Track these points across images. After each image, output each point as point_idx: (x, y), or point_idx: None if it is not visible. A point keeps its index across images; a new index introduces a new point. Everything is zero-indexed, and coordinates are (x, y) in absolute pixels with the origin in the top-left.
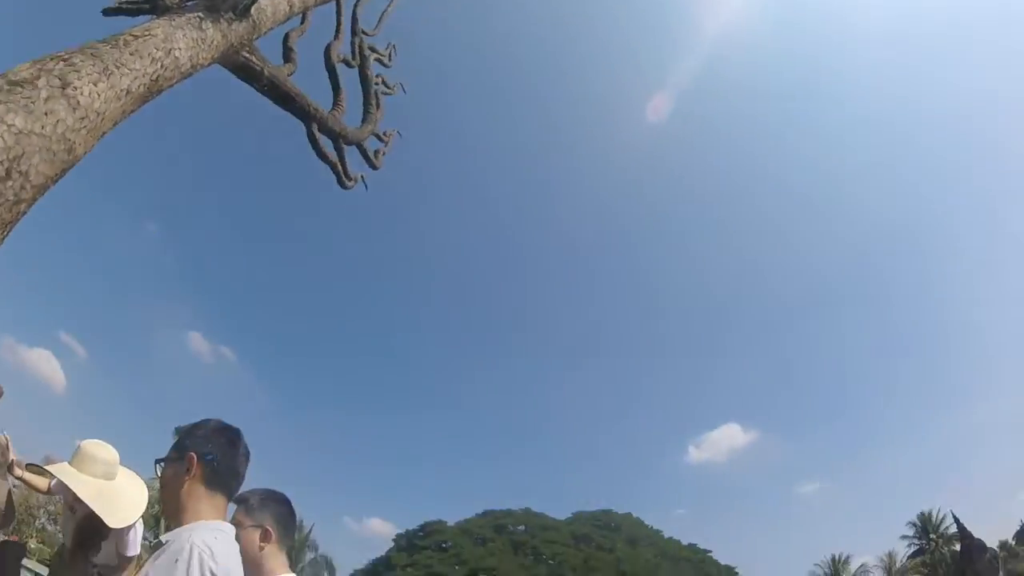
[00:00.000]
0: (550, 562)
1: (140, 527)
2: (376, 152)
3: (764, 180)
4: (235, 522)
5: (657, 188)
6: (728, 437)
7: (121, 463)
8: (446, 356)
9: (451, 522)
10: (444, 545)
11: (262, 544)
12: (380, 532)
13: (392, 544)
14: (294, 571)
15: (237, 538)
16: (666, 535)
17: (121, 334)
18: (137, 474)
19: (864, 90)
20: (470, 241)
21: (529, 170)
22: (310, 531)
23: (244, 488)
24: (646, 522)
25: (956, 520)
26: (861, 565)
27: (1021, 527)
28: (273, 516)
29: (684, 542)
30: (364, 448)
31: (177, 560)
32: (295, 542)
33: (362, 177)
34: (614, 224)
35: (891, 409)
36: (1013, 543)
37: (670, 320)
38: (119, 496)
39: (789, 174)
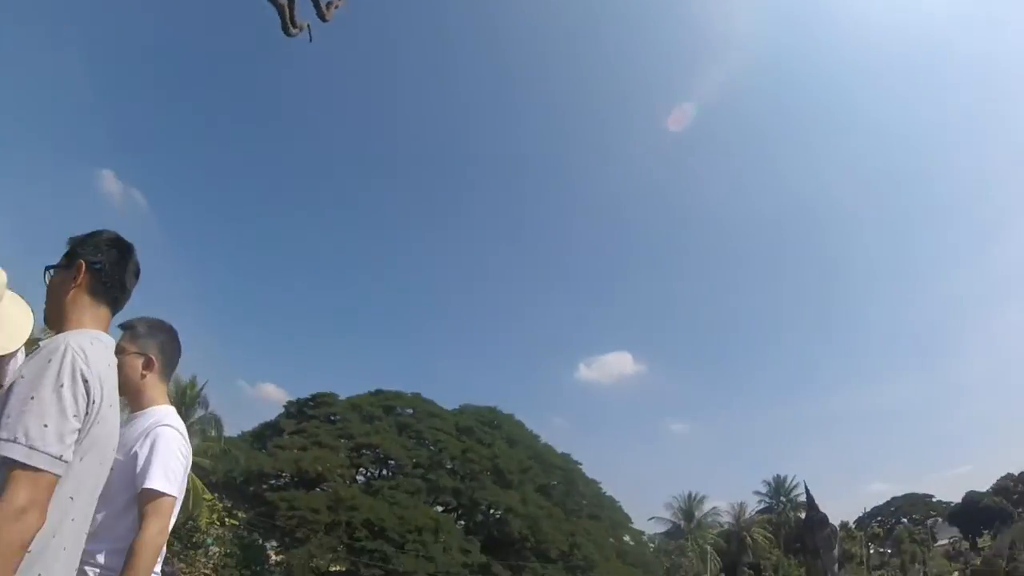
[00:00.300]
0: (431, 448)
1: (22, 355)
2: (328, 4)
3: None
4: (119, 348)
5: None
6: (618, 363)
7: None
8: (368, 231)
9: (342, 396)
10: (332, 418)
11: (144, 372)
12: (273, 398)
13: (282, 410)
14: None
15: (120, 363)
16: (542, 441)
17: (26, 165)
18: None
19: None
20: (395, 138)
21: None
22: (202, 388)
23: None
24: (526, 426)
25: (807, 490)
26: (713, 507)
27: (864, 514)
28: (158, 346)
29: (558, 451)
30: (267, 315)
31: (50, 360)
32: (187, 398)
33: (308, 27)
34: (530, 146)
35: (774, 373)
36: (853, 526)
37: (585, 246)
38: (2, 320)
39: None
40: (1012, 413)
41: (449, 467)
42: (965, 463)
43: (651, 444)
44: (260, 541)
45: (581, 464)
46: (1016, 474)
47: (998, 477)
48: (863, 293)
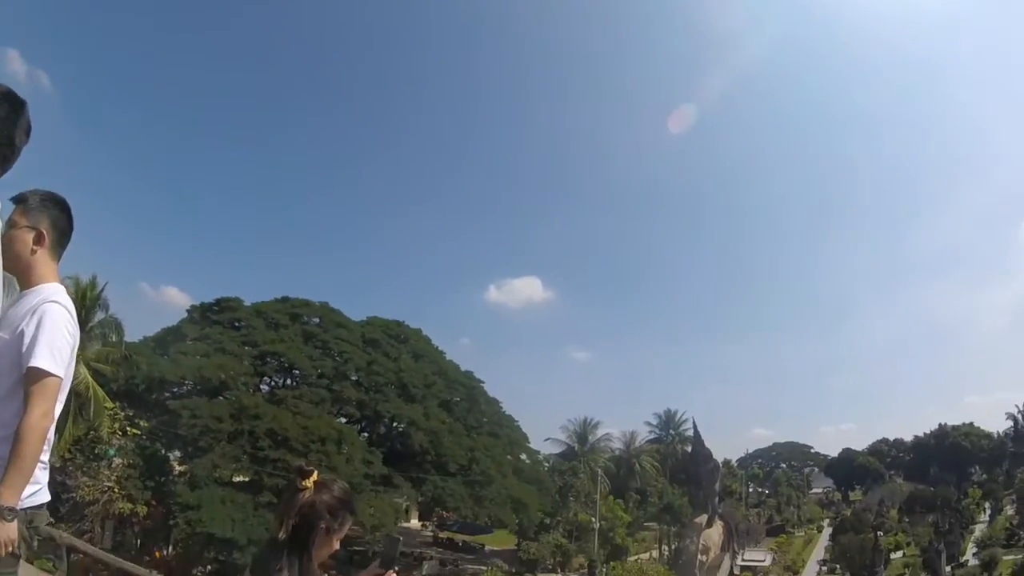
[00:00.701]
0: (337, 358)
1: None
2: None
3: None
4: (10, 222)
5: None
6: (528, 288)
7: None
8: (288, 142)
9: (248, 302)
10: (237, 324)
11: (35, 248)
12: (176, 302)
13: (185, 315)
14: (83, 330)
15: (10, 238)
16: (447, 357)
17: None
18: None
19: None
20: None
21: None
22: (102, 290)
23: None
24: (433, 342)
25: (695, 427)
26: (607, 433)
27: (746, 455)
28: (50, 220)
29: (463, 368)
30: (173, 216)
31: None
32: (87, 299)
33: None
34: (467, 77)
35: (679, 315)
36: (736, 465)
37: (513, 175)
38: None
39: None
40: (896, 383)
41: (354, 379)
42: (848, 422)
43: (553, 369)
44: (163, 451)
45: (484, 383)
46: (891, 439)
47: (875, 439)
48: (775, 255)
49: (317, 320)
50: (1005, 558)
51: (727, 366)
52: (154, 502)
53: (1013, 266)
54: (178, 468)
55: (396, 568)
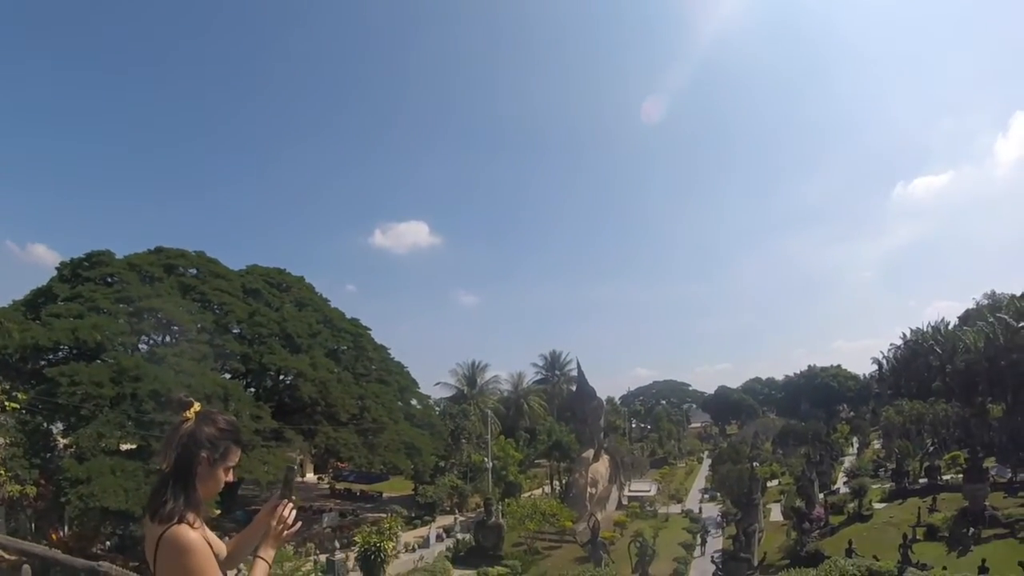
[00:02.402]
0: (217, 311)
1: None
2: None
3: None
4: None
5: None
6: (414, 232)
7: None
8: (156, 78)
9: (120, 256)
10: (110, 279)
11: None
12: (45, 261)
13: (55, 274)
14: None
15: None
16: (332, 305)
17: None
18: None
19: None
20: None
21: None
22: None
23: None
24: (316, 289)
25: (579, 366)
26: (495, 376)
27: (628, 393)
28: None
29: (348, 316)
30: (33, 164)
31: None
32: None
33: None
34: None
35: (561, 256)
36: (619, 402)
37: (401, 114)
38: None
39: None
40: (769, 327)
41: (236, 331)
42: (723, 362)
43: (440, 313)
44: (45, 425)
45: (371, 329)
46: (764, 378)
47: (749, 378)
48: (657, 200)
49: (194, 271)
50: (873, 487)
51: (610, 308)
52: (43, 480)
53: (882, 226)
54: (62, 441)
55: (293, 497)
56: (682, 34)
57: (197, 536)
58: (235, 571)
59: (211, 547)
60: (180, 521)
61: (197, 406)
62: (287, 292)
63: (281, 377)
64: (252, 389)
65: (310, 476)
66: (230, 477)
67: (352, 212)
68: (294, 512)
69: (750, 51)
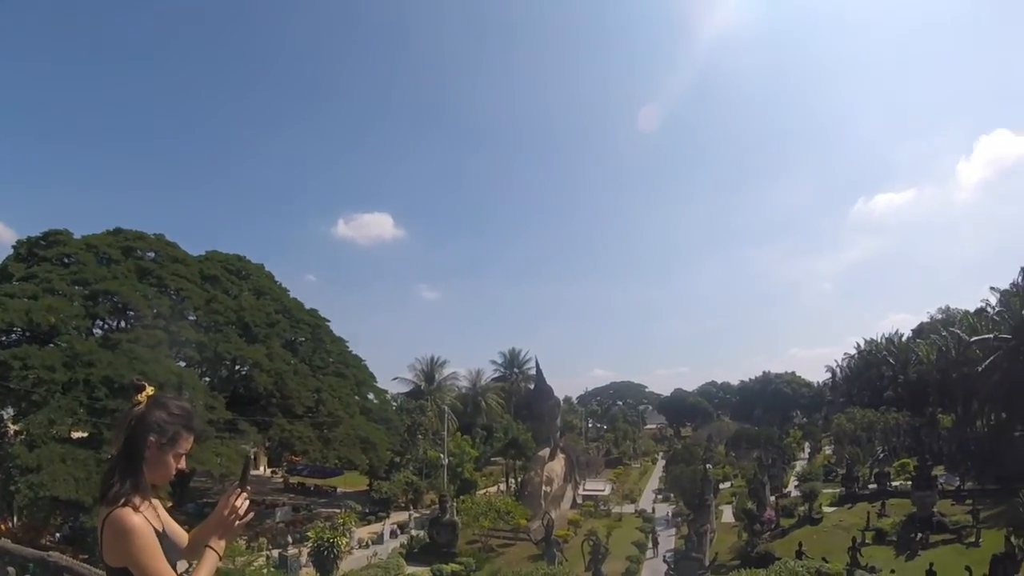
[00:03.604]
0: (174, 296)
1: None
2: None
3: None
4: None
5: None
6: (378, 224)
7: None
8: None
9: (79, 235)
10: (67, 260)
11: None
12: (1, 238)
13: (11, 252)
14: None
15: None
16: (291, 295)
17: None
18: None
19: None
20: None
21: None
22: None
23: None
24: (276, 278)
25: (537, 365)
26: (453, 372)
27: (585, 393)
28: None
29: (307, 306)
30: None
31: None
32: None
33: None
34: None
35: (527, 256)
36: (576, 402)
37: (371, 100)
38: None
39: None
40: (727, 332)
41: (192, 318)
42: (680, 365)
43: (401, 307)
44: None
45: (329, 321)
46: (719, 382)
47: (705, 382)
48: (625, 204)
49: (152, 254)
50: (824, 491)
51: (570, 309)
52: None
53: (842, 239)
54: (12, 427)
55: (248, 487)
56: (661, 42)
57: (141, 520)
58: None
59: (171, 535)
60: (126, 504)
61: (150, 390)
62: (246, 280)
63: (237, 367)
64: (207, 378)
65: (264, 470)
66: (181, 464)
67: (316, 201)
68: (247, 502)
69: (724, 63)
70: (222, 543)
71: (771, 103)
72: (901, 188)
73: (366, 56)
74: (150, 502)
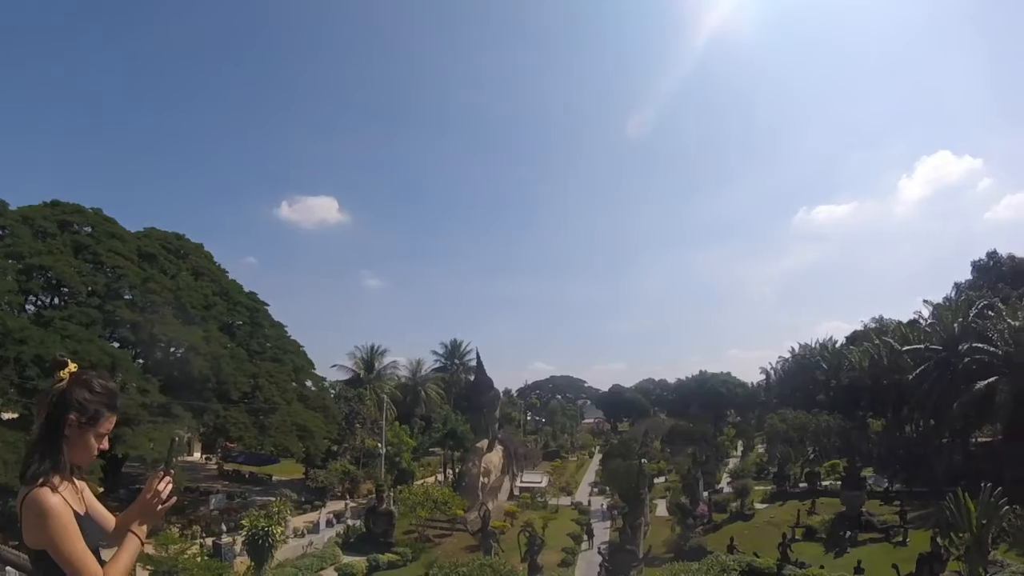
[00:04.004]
0: (110, 274)
1: None
2: None
3: None
4: None
5: None
6: (323, 208)
7: None
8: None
9: (13, 206)
10: (1, 232)
11: None
12: None
13: None
14: None
15: None
16: (230, 276)
17: None
18: None
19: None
20: None
21: None
22: None
23: None
24: (215, 258)
25: (478, 356)
26: (393, 361)
27: (525, 386)
28: None
29: (246, 288)
30: None
31: None
32: None
33: None
34: None
35: (476, 248)
36: (515, 394)
37: (318, 83)
38: None
39: None
40: (666, 331)
41: (128, 297)
42: (620, 361)
43: (343, 294)
44: None
45: (268, 305)
46: (657, 379)
47: (642, 378)
48: (574, 201)
49: (89, 229)
50: (756, 488)
51: (514, 302)
52: None
53: (782, 247)
54: None
55: (172, 470)
56: (629, 45)
57: (58, 500)
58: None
59: (96, 518)
60: (44, 484)
61: (72, 367)
62: (184, 259)
63: (172, 349)
64: (141, 360)
65: (197, 455)
66: (104, 445)
67: (260, 181)
68: (171, 486)
69: (685, 74)
70: (144, 528)
71: (725, 113)
72: (842, 201)
73: (324, 35)
74: (72, 483)
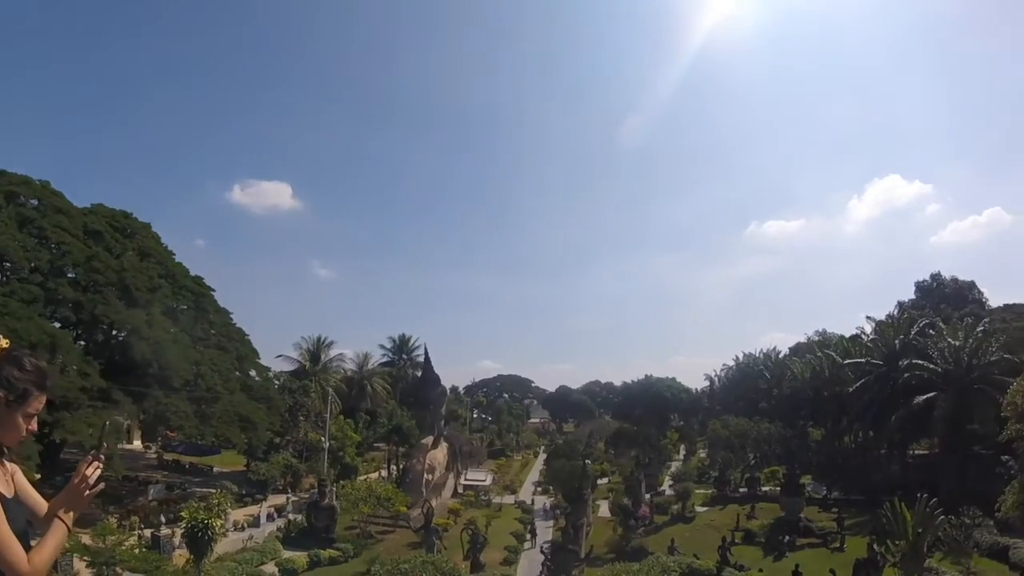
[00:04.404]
0: (54, 250)
1: None
2: None
3: None
4: None
5: None
6: (276, 193)
7: None
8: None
9: None
10: None
11: None
12: None
13: None
14: None
15: None
16: (177, 259)
17: None
18: None
19: None
20: None
21: None
22: None
23: None
24: (162, 240)
25: (426, 352)
26: (340, 354)
27: (472, 384)
28: None
29: (192, 272)
30: None
31: None
32: None
33: None
34: None
35: (433, 243)
36: (462, 392)
37: (280, 55)
38: None
39: None
40: (615, 335)
41: (71, 276)
42: (567, 363)
43: (291, 282)
44: None
45: (214, 291)
46: (603, 382)
47: (589, 380)
48: (532, 198)
49: (36, 202)
50: (697, 491)
51: (464, 298)
52: None
53: (732, 258)
54: None
55: (102, 456)
56: (590, 47)
57: None
58: None
59: (26, 501)
60: None
61: (4, 342)
62: (131, 238)
63: (115, 332)
64: (82, 342)
65: (137, 443)
66: (32, 426)
67: (212, 161)
68: (99, 471)
69: (650, 81)
70: (71, 515)
71: (686, 124)
72: (793, 216)
73: (288, 18)
74: (1, 464)
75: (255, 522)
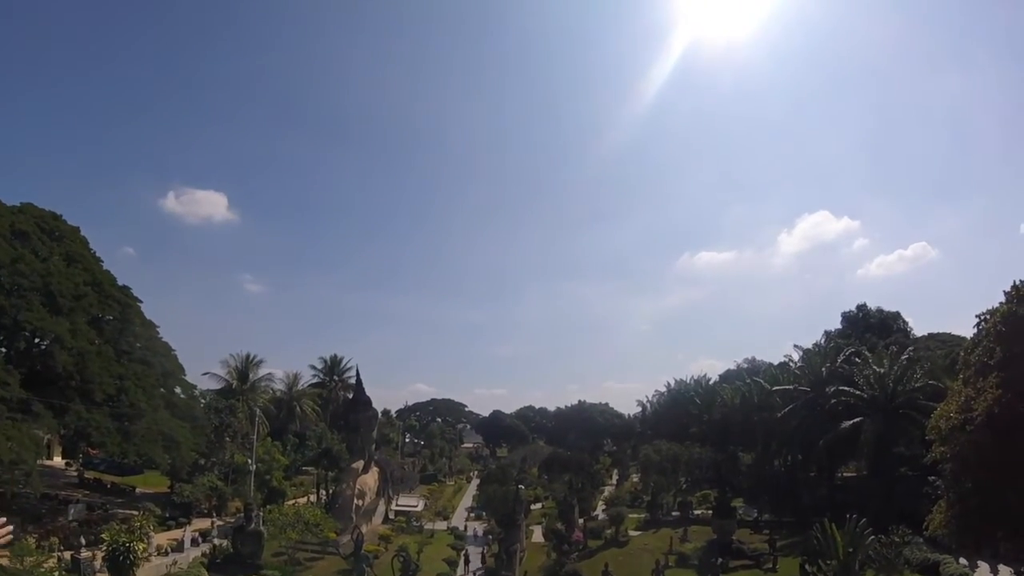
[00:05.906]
0: None
1: None
2: None
3: None
4: None
5: None
6: (211, 203)
7: None
8: None
9: None
10: None
11: None
12: None
13: None
14: None
15: None
16: (104, 267)
17: None
18: None
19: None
20: None
21: None
22: None
23: None
24: (91, 245)
25: (358, 374)
26: (269, 373)
27: (405, 407)
28: None
29: (120, 281)
30: None
31: None
32: None
33: None
34: None
35: (368, 264)
36: (395, 415)
37: (221, 62)
38: None
39: None
40: (548, 360)
41: None
42: (500, 387)
43: (221, 296)
44: None
45: (142, 302)
46: (537, 407)
47: (523, 405)
48: (464, 223)
49: None
50: (630, 515)
51: (397, 320)
52: None
53: (664, 287)
54: None
55: (11, 528)
56: (520, 62)
57: None
58: None
59: None
60: None
61: None
62: (59, 242)
63: (37, 340)
64: (3, 349)
65: (57, 460)
66: None
67: (146, 165)
68: (9, 537)
69: (581, 105)
70: None
71: (625, 155)
72: (724, 249)
73: (227, 20)
74: None
75: (179, 546)
